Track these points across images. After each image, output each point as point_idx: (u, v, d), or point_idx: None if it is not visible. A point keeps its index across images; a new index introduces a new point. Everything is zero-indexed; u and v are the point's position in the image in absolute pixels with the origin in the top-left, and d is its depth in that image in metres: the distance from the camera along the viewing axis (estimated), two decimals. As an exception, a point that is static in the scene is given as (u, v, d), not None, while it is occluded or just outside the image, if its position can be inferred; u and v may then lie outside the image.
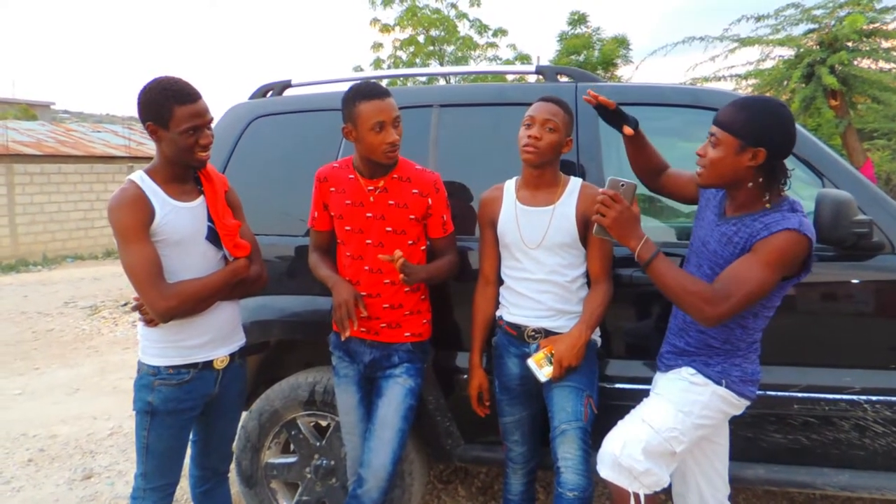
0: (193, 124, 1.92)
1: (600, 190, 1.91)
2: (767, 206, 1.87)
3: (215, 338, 2.08)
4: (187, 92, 1.92)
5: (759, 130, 1.80)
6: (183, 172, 2.02)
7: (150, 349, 2.03)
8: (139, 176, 1.97)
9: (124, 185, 1.94)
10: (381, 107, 2.12)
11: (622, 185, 1.88)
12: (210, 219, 2.06)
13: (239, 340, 2.19)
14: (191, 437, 2.19)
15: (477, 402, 2.38)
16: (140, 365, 2.06)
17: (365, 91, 2.15)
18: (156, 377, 2.00)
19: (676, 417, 1.93)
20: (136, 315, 2.06)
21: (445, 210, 2.29)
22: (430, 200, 2.24)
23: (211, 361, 2.07)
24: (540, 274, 2.20)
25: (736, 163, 1.84)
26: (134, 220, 1.88)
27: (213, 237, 2.06)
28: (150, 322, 2.00)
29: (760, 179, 1.86)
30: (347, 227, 2.26)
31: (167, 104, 1.89)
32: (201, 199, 2.06)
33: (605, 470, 1.97)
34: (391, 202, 2.23)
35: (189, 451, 2.21)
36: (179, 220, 1.97)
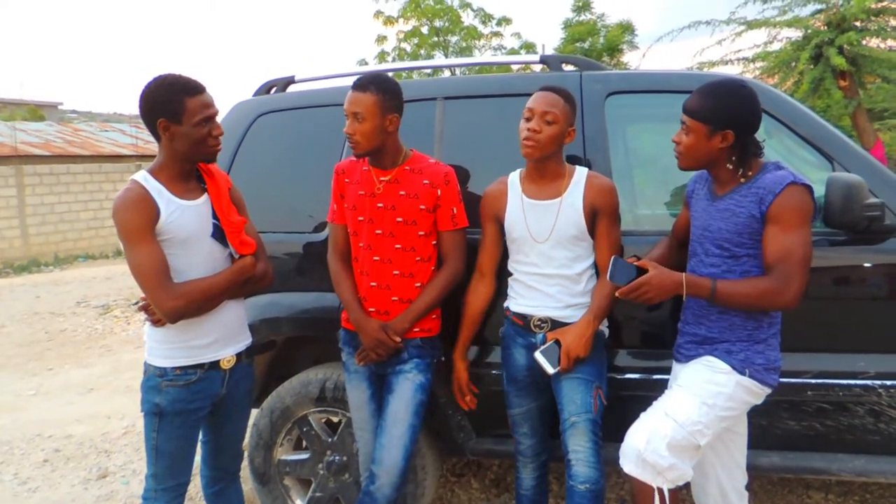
0: (206, 115, 1.93)
1: (617, 293, 1.96)
2: (742, 180, 1.96)
3: (221, 337, 2.07)
4: (194, 84, 1.94)
5: (724, 114, 1.90)
6: (188, 170, 2.01)
7: (157, 350, 2.02)
8: (142, 176, 1.95)
9: (128, 186, 1.93)
10: (346, 98, 2.19)
11: (627, 268, 1.95)
12: (215, 216, 2.05)
13: (245, 340, 2.18)
14: (201, 438, 2.19)
15: (459, 394, 2.40)
16: (146, 366, 2.05)
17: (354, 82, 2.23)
18: (163, 378, 2.00)
19: (700, 410, 1.92)
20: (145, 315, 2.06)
21: (456, 203, 2.28)
22: (439, 191, 2.23)
23: (218, 361, 2.06)
24: (548, 268, 2.19)
25: (709, 146, 1.93)
26: (139, 220, 1.87)
27: (219, 235, 2.06)
28: (157, 322, 2.00)
29: (734, 158, 1.95)
30: (360, 218, 2.27)
31: (178, 97, 1.89)
32: (205, 196, 2.05)
33: (628, 465, 1.95)
34: (402, 192, 2.23)
35: (200, 452, 2.21)
36: (185, 218, 1.96)
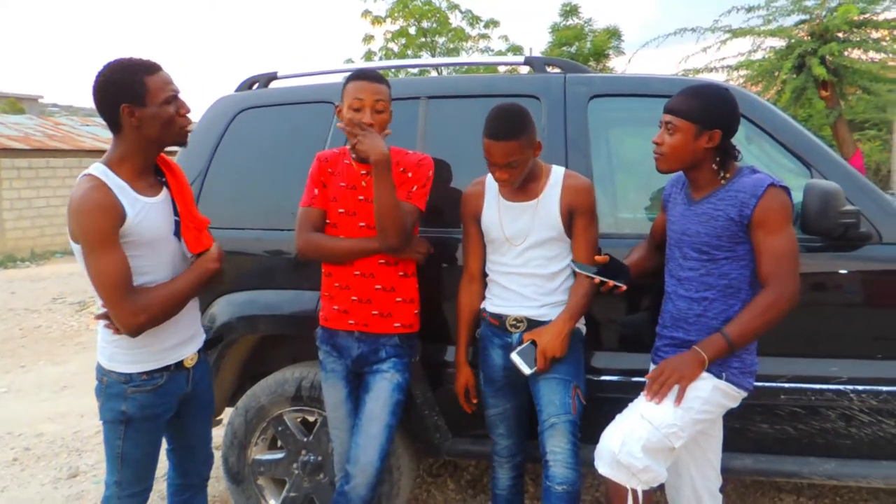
0: (171, 92, 1.83)
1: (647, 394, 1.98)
2: (723, 181, 1.99)
3: (184, 337, 2.00)
4: (150, 62, 1.83)
5: (713, 114, 1.94)
6: (151, 161, 1.90)
7: (121, 356, 1.90)
8: (101, 170, 1.80)
9: (91, 184, 1.76)
10: (360, 87, 2.14)
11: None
12: (176, 212, 1.96)
13: (202, 335, 2.12)
14: (167, 446, 2.12)
15: (464, 398, 2.37)
16: (105, 372, 1.92)
17: (355, 73, 2.20)
18: (128, 384, 1.89)
19: (676, 413, 1.92)
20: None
21: (420, 185, 2.23)
22: (410, 174, 2.23)
23: (182, 361, 1.99)
24: (525, 269, 2.19)
25: (695, 146, 1.95)
26: (105, 224, 1.73)
27: (179, 231, 1.96)
28: (117, 331, 1.86)
29: (717, 158, 1.98)
30: (341, 210, 2.25)
31: (138, 77, 1.78)
32: (165, 191, 1.95)
33: (603, 467, 1.96)
34: None
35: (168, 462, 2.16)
36: (150, 217, 1.85)
